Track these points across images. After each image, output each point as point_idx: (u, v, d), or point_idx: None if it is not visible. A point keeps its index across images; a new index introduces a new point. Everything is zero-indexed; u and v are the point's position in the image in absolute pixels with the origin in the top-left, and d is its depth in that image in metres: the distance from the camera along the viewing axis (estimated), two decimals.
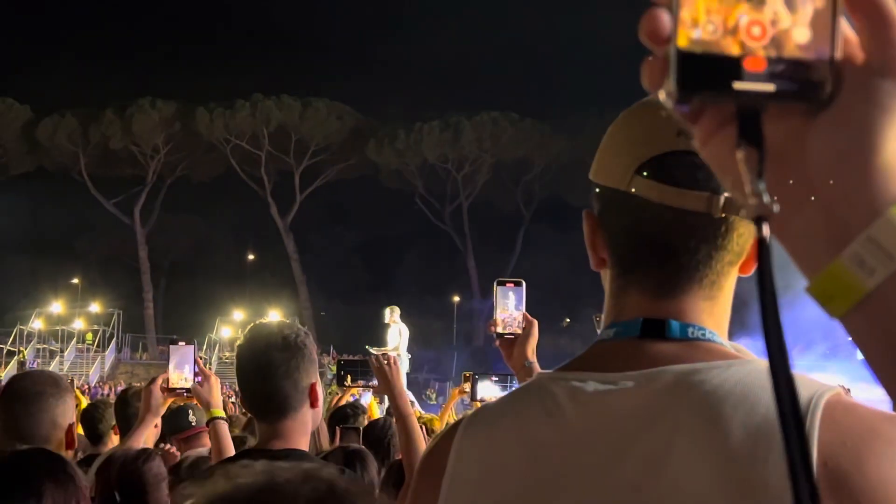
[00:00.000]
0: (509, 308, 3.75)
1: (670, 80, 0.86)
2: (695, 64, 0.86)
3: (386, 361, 4.59)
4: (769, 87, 0.86)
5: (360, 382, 7.73)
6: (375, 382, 6.11)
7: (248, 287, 64.54)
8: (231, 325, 54.50)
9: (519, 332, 3.71)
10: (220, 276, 64.61)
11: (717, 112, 0.91)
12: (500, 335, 3.70)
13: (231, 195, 64.90)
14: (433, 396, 46.82)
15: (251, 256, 70.47)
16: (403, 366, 14.70)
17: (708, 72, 0.86)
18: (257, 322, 3.80)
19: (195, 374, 4.87)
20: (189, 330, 48.61)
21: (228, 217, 67.60)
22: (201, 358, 4.97)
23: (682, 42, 0.87)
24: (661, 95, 0.88)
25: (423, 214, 68.69)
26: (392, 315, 22.79)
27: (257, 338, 3.62)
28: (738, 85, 0.86)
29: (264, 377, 3.55)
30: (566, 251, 50.43)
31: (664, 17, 0.88)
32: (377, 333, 25.37)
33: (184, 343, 4.94)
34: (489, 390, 7.06)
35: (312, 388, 3.63)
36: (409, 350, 23.80)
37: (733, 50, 0.86)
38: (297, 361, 3.58)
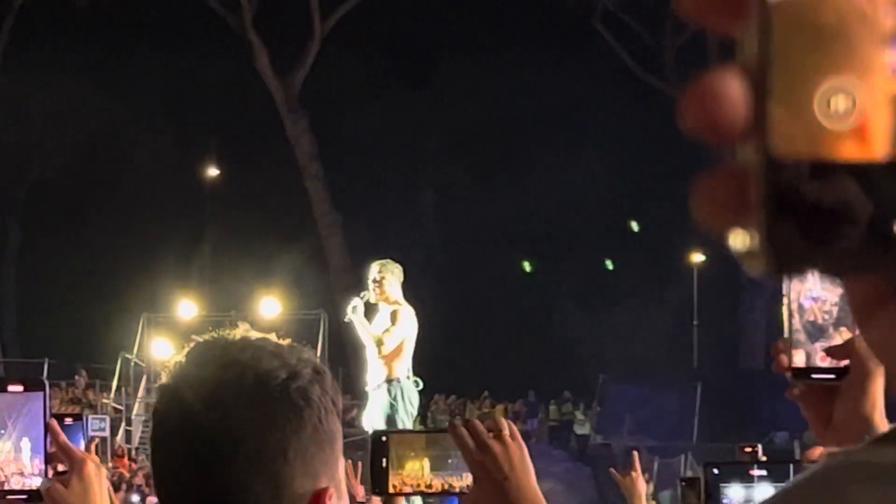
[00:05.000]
0: (823, 309, 1.67)
1: (756, 230, 0.50)
2: (807, 191, 0.49)
3: (494, 432, 2.10)
4: None
5: (428, 481, 2.56)
6: (463, 481, 2.44)
7: (214, 247, 36.83)
8: (172, 334, 28.01)
9: (845, 364, 1.66)
10: (146, 218, 35.80)
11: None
12: (802, 374, 1.69)
13: (162, 37, 35.75)
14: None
15: (213, 172, 38.88)
16: (410, 391, 9.86)
17: (838, 205, 0.49)
18: (207, 338, 1.76)
19: (48, 462, 2.42)
20: (74, 344, 29.79)
21: (155, 83, 36.91)
22: (62, 417, 2.52)
23: (780, 142, 0.49)
24: (739, 246, 0.51)
25: (611, 57, 35.92)
26: (384, 278, 10.17)
27: (201, 378, 1.70)
28: None
29: (208, 466, 1.67)
30: None
31: (737, 91, 0.50)
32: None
33: (21, 388, 2.49)
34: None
35: (317, 499, 1.68)
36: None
37: (893, 150, 0.49)
38: (288, 435, 1.67)
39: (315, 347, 26.44)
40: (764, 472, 3.86)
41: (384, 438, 2.50)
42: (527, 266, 39.74)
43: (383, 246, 22.73)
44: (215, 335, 1.80)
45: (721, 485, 4.01)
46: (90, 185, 36.76)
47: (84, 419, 2.82)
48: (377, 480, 2.51)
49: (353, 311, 10.07)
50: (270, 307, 28.94)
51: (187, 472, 1.71)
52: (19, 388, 2.48)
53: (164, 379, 1.78)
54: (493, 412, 31.21)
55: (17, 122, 33.33)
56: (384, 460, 2.48)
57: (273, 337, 1.84)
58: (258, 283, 30.68)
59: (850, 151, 0.48)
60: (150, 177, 35.51)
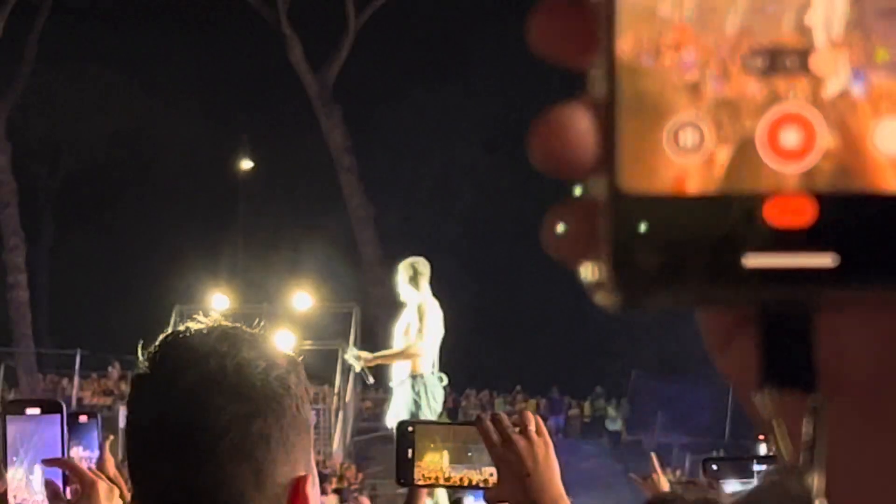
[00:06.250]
0: None
1: (605, 263, 0.49)
2: (656, 224, 0.48)
3: (519, 427, 2.10)
4: (823, 261, 0.47)
5: (446, 473, 2.51)
6: (487, 475, 2.38)
7: (247, 239, 36.01)
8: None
9: None
10: (179, 211, 36.04)
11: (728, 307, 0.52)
12: None
13: (196, 29, 34.99)
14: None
15: (246, 164, 37.92)
16: (434, 386, 9.69)
17: (686, 239, 0.48)
18: (180, 329, 1.71)
19: (65, 483, 2.33)
20: (107, 336, 27.97)
21: (188, 75, 35.95)
22: (77, 415, 2.77)
23: (628, 176, 0.48)
24: (589, 278, 0.50)
25: None
26: (410, 273, 10.16)
27: (180, 368, 1.67)
28: (755, 261, 0.47)
29: (191, 458, 1.64)
30: None
31: (584, 125, 0.49)
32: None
33: (39, 410, 2.49)
34: None
35: (298, 486, 1.65)
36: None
37: (742, 184, 0.47)
38: (270, 423, 1.65)
39: (346, 341, 26.38)
40: (764, 468, 3.75)
41: (410, 429, 2.48)
42: None
43: (415, 239, 22.67)
44: (187, 325, 1.76)
45: (720, 481, 3.92)
46: (123, 177, 36.78)
47: (98, 417, 2.82)
48: (403, 471, 2.48)
49: (358, 360, 10.14)
50: (302, 300, 28.83)
51: (169, 463, 1.69)
52: (37, 410, 2.48)
53: (139, 369, 1.74)
54: (525, 406, 31.16)
55: (50, 113, 33.37)
56: (410, 451, 2.46)
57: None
58: (290, 275, 30.56)
59: (698, 184, 0.47)
60: (183, 169, 35.47)
